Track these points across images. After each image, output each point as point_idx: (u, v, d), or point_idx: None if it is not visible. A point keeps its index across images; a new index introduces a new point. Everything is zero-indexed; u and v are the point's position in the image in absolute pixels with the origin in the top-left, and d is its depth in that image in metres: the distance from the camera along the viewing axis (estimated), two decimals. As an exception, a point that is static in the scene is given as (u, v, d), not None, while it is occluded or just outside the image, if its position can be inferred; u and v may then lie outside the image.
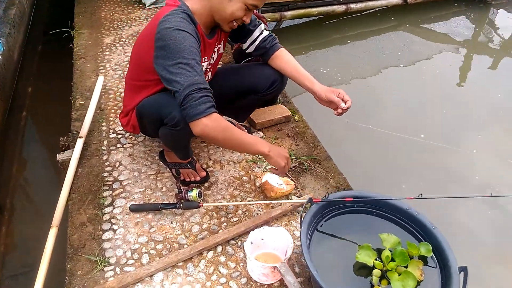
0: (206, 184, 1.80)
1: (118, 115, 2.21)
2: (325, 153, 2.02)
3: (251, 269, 1.41)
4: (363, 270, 1.30)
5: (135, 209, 1.66)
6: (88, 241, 1.57)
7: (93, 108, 2.16)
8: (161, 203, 1.64)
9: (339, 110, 1.58)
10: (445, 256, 1.26)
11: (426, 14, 4.64)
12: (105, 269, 1.46)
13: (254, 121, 2.12)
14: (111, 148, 2.01)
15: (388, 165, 2.46)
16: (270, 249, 1.46)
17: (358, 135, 2.61)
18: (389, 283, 1.25)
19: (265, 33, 1.69)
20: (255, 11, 1.57)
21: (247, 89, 1.75)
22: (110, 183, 1.81)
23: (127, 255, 1.51)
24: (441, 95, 3.23)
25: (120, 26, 3.20)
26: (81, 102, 2.33)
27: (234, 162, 1.93)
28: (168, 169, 1.86)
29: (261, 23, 1.69)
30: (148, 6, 3.55)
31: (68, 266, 1.49)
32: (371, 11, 4.52)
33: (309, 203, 1.41)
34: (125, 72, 2.57)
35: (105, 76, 2.53)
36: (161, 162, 1.90)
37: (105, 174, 1.86)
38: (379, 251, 1.33)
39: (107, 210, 1.68)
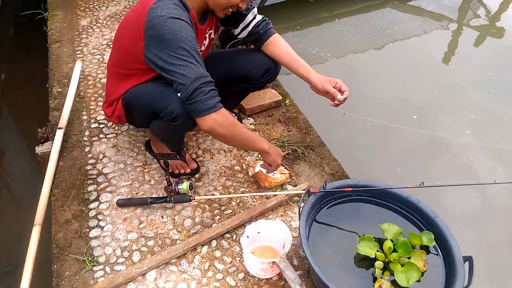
0: (196, 175, 1.72)
1: (99, 103, 2.10)
2: (319, 139, 1.96)
3: (248, 264, 1.36)
4: (365, 261, 1.27)
5: (122, 203, 1.58)
6: (74, 239, 1.49)
7: (72, 96, 2.03)
8: (150, 197, 1.56)
9: (336, 102, 1.50)
10: (448, 245, 1.23)
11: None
12: (94, 268, 1.39)
13: (244, 107, 2.03)
14: (93, 139, 1.89)
15: (382, 149, 2.41)
16: (267, 242, 1.41)
17: (352, 119, 2.54)
18: (391, 274, 1.21)
19: (259, 17, 1.58)
20: None
21: (239, 77, 1.66)
22: (95, 176, 1.71)
23: (116, 253, 1.43)
24: (431, 74, 3.19)
25: (96, 7, 3.01)
26: (58, 90, 2.19)
27: (224, 151, 1.85)
28: (155, 160, 1.77)
29: (254, 7, 1.57)
30: (126, -16, 3.34)
31: (55, 266, 1.41)
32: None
33: (307, 195, 1.35)
34: (104, 57, 2.45)
35: (82, 61, 2.38)
36: (147, 153, 1.80)
37: (89, 167, 1.75)
38: (380, 242, 1.29)
39: (92, 205, 1.60)
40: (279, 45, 1.60)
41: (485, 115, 2.75)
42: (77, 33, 2.68)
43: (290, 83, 2.38)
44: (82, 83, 2.23)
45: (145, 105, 1.42)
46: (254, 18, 1.57)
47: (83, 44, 2.56)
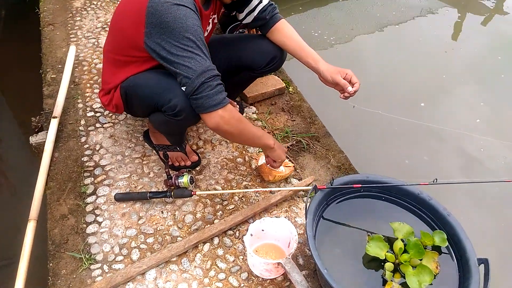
0: (197, 168, 1.65)
1: (94, 91, 2.01)
2: (324, 128, 1.88)
3: (252, 264, 1.30)
4: (374, 262, 1.21)
5: (120, 198, 1.52)
6: (71, 235, 1.43)
7: (66, 83, 1.94)
8: (150, 192, 1.49)
9: (346, 94, 1.41)
10: (462, 246, 1.17)
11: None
12: (92, 267, 1.34)
13: (246, 95, 1.95)
14: (89, 128, 1.82)
15: (388, 139, 2.33)
16: (272, 240, 1.36)
17: (358, 108, 2.45)
18: (402, 276, 1.16)
19: (265, 1, 1.47)
20: None
21: (243, 65, 1.56)
22: (91, 168, 1.65)
23: (115, 251, 1.38)
24: (439, 59, 3.08)
25: (91, -13, 2.87)
26: (52, 76, 2.10)
27: (226, 142, 1.78)
28: (154, 151, 1.69)
29: None
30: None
31: (51, 264, 1.35)
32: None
33: (314, 191, 1.29)
34: (100, 40, 2.34)
35: (77, 46, 2.28)
36: (146, 144, 1.73)
37: (85, 159, 1.68)
38: (390, 241, 1.23)
39: (89, 199, 1.53)
40: (286, 32, 1.50)
41: (495, 103, 2.67)
42: (71, 15, 2.56)
43: (293, 69, 2.28)
44: (77, 69, 2.13)
45: (146, 97, 1.34)
46: (260, 2, 1.46)
47: (77, 27, 2.45)
